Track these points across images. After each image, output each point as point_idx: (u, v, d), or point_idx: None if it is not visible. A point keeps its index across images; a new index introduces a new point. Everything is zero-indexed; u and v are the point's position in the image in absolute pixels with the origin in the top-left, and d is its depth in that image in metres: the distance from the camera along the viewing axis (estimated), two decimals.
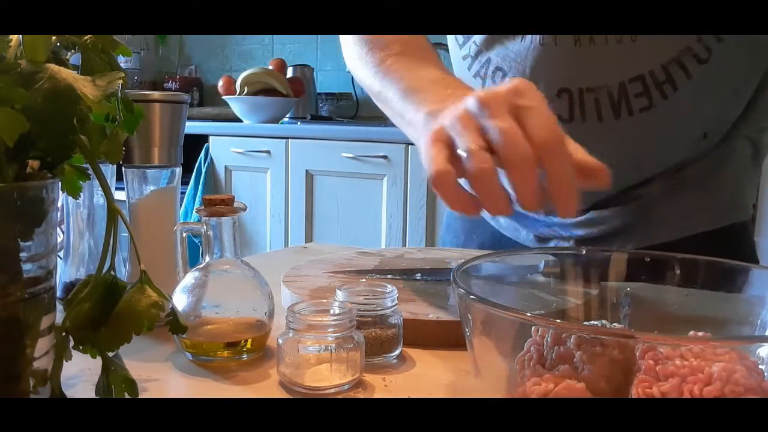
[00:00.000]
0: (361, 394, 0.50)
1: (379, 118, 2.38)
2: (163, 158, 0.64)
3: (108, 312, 0.42)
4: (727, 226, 0.81)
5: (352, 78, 1.23)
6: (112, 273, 0.43)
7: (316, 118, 2.82)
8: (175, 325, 0.46)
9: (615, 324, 0.51)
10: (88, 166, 0.43)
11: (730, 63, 0.74)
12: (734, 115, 0.80)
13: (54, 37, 0.40)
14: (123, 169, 0.64)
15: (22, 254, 0.36)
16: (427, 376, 0.53)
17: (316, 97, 2.97)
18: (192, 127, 2.54)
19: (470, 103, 0.52)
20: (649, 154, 0.79)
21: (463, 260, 0.49)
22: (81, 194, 0.47)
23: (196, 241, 0.63)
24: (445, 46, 0.91)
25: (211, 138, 2.64)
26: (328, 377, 0.49)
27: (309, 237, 2.49)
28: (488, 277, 0.52)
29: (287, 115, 2.76)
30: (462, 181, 0.51)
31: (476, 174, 0.49)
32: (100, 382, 0.43)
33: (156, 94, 0.64)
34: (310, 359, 0.50)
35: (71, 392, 0.46)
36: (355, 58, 0.79)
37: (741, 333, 0.48)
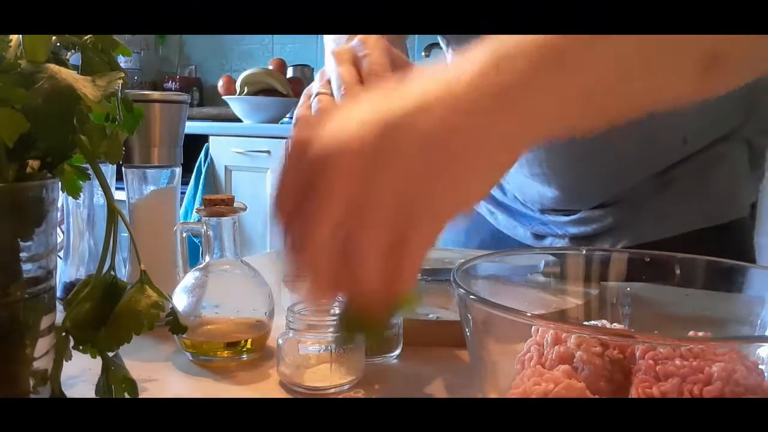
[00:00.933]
0: (361, 394, 0.50)
1: None
2: (163, 158, 0.64)
3: (108, 312, 0.42)
4: (722, 224, 0.81)
5: None
6: (112, 273, 0.43)
7: None
8: (175, 325, 0.46)
9: (615, 324, 0.51)
10: (88, 166, 0.43)
11: None
12: (719, 120, 0.80)
13: (54, 37, 0.40)
14: (123, 169, 0.64)
15: (22, 254, 0.36)
16: (427, 376, 0.53)
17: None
18: (192, 127, 2.54)
19: (327, 59, 0.60)
20: (634, 157, 0.80)
21: (463, 260, 0.49)
22: (81, 194, 0.47)
23: (196, 241, 0.63)
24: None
25: (211, 138, 2.64)
26: (328, 377, 0.49)
27: None
28: (488, 277, 0.52)
29: (287, 115, 2.76)
30: None
31: (315, 113, 0.57)
32: (100, 382, 0.43)
33: (156, 94, 0.64)
34: (310, 359, 0.50)
35: (71, 392, 0.46)
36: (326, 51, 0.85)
37: (741, 333, 0.48)
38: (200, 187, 2.60)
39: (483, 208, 0.95)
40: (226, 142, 2.61)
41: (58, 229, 0.47)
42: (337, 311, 0.51)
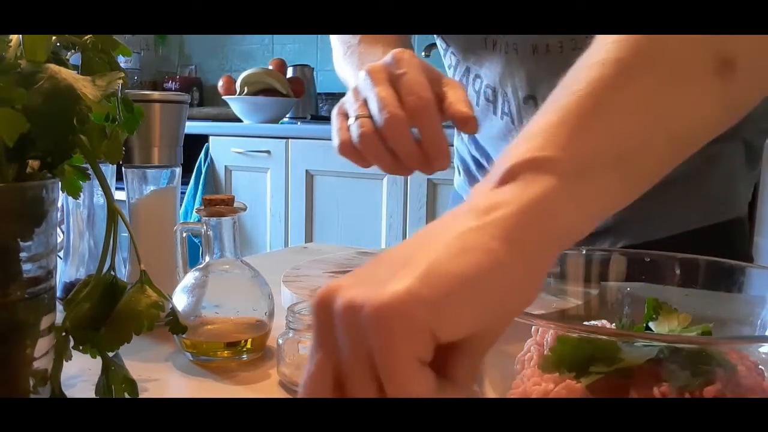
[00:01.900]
0: None
1: None
2: (163, 158, 0.64)
3: (108, 312, 0.42)
4: (719, 223, 0.81)
5: None
6: (112, 273, 0.43)
7: (316, 118, 2.81)
8: (175, 325, 0.46)
9: (614, 324, 0.51)
10: (88, 166, 0.43)
11: None
12: None
13: (54, 37, 0.40)
14: (123, 169, 0.64)
15: (22, 254, 0.36)
16: None
17: (316, 97, 2.97)
18: (192, 127, 2.54)
19: (360, 76, 0.58)
20: None
21: None
22: (81, 194, 0.47)
23: (196, 241, 0.63)
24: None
25: (211, 138, 2.64)
26: None
27: (309, 237, 2.49)
28: None
29: (287, 115, 2.76)
30: None
31: (358, 139, 0.56)
32: (100, 382, 0.43)
33: (156, 94, 0.64)
34: None
35: (71, 392, 0.46)
36: (335, 54, 0.84)
37: (741, 333, 0.48)
38: (200, 187, 2.60)
39: None
40: (226, 142, 2.61)
41: (58, 229, 0.47)
42: None
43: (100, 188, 0.44)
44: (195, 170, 2.63)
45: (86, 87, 0.37)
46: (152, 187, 0.64)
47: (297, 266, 0.77)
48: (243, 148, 2.57)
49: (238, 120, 2.70)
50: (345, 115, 0.59)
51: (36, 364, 0.37)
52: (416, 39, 2.89)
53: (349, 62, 0.76)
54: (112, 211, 0.42)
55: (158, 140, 0.64)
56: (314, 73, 2.98)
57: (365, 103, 0.57)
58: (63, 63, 0.39)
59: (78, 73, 0.39)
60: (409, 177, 2.29)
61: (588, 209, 0.33)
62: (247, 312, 0.57)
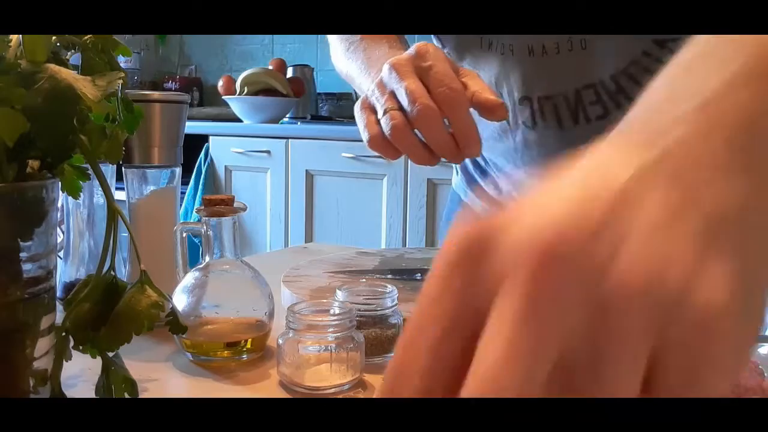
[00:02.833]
0: (361, 394, 0.50)
1: None
2: (163, 158, 0.64)
3: (108, 312, 0.42)
4: None
5: None
6: (112, 273, 0.43)
7: (316, 118, 2.82)
8: (175, 325, 0.46)
9: None
10: (88, 166, 0.43)
11: None
12: None
13: (54, 37, 0.40)
14: (123, 169, 0.64)
15: (22, 254, 0.36)
16: None
17: (316, 97, 2.97)
18: (192, 127, 2.54)
19: (384, 70, 0.59)
20: None
21: None
22: (81, 194, 0.47)
23: (196, 241, 0.63)
24: None
25: (211, 138, 2.64)
26: (328, 377, 0.49)
27: (309, 237, 2.49)
28: None
29: (287, 115, 2.76)
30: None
31: (390, 131, 0.57)
32: (100, 382, 0.43)
33: (156, 94, 0.64)
34: (310, 359, 0.50)
35: (71, 392, 0.46)
36: (334, 51, 0.86)
37: None
38: (200, 187, 2.60)
39: (479, 206, 0.95)
40: (226, 142, 2.61)
41: (58, 229, 0.47)
42: (337, 311, 0.51)
43: (100, 188, 0.44)
44: (195, 170, 2.63)
45: (86, 87, 0.37)
46: (152, 187, 0.64)
47: (297, 266, 0.77)
48: (243, 148, 2.57)
49: (238, 120, 2.70)
50: (371, 109, 0.60)
51: (36, 364, 0.37)
52: (416, 39, 2.89)
53: (353, 58, 0.77)
54: (112, 211, 0.43)
55: (158, 140, 0.64)
56: (314, 73, 2.98)
57: (392, 96, 0.58)
58: (63, 63, 0.39)
59: (78, 73, 0.39)
60: (409, 177, 2.29)
61: None
62: (247, 312, 0.57)
